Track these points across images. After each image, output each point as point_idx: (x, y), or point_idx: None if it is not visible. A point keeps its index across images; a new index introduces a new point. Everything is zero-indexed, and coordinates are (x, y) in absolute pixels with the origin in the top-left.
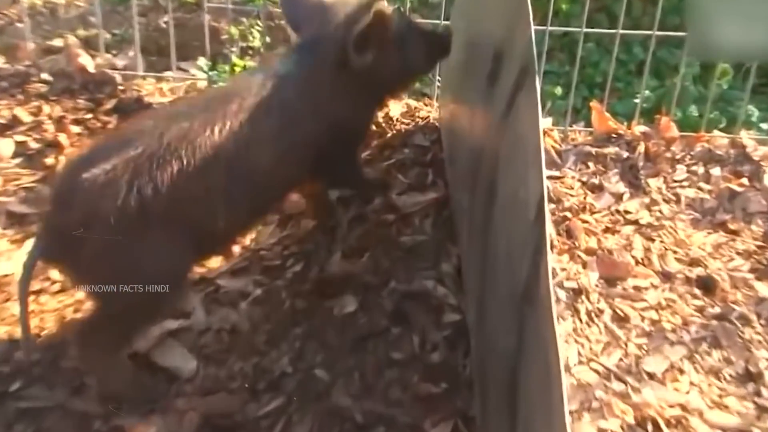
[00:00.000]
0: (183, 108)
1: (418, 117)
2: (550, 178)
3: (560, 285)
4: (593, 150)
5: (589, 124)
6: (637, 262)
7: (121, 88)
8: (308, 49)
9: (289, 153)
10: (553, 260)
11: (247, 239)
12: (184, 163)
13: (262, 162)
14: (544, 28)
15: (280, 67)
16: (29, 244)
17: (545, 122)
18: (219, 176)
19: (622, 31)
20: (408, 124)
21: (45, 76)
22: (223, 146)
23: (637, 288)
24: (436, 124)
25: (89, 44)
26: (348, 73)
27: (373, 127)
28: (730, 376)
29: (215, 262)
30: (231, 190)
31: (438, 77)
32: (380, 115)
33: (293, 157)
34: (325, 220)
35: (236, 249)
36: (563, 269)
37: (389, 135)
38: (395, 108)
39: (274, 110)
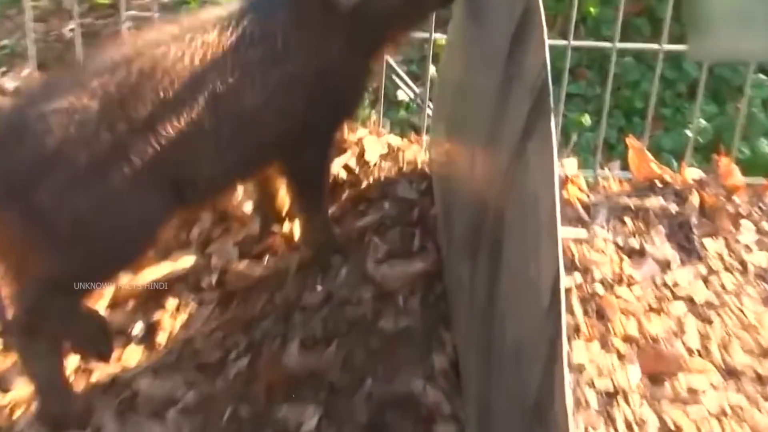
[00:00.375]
0: (152, 35)
1: (403, 160)
2: (575, 241)
3: (590, 384)
4: (631, 202)
5: (626, 167)
6: (691, 353)
7: None
8: None
9: (274, 95)
10: (580, 351)
11: (177, 323)
12: (160, 93)
13: (246, 99)
14: (565, 43)
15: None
16: None
17: (569, 164)
18: (201, 110)
19: (667, 47)
20: (389, 170)
21: None
22: (203, 77)
23: (692, 389)
24: (426, 169)
25: None
26: (335, 13)
27: (344, 174)
28: None
29: (132, 358)
30: (214, 128)
31: (428, 103)
32: (353, 157)
33: (278, 101)
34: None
35: (160, 339)
36: (592, 362)
37: (364, 184)
38: (372, 148)
39: (257, 43)
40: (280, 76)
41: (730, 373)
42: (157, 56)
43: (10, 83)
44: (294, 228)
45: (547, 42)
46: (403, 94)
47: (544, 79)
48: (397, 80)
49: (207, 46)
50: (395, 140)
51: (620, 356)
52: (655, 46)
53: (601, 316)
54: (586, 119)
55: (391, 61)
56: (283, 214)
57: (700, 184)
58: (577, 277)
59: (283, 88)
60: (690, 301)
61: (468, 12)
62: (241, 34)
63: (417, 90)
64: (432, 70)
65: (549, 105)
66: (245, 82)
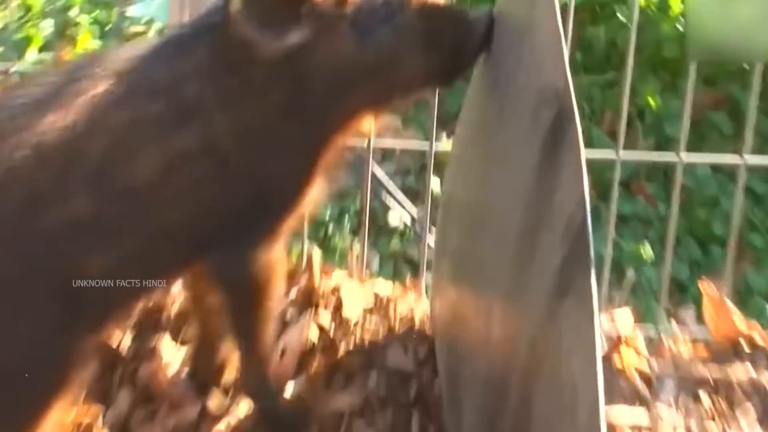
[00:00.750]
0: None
1: (395, 315)
2: (632, 428)
3: None
4: (709, 372)
5: (700, 320)
6: None
7: None
8: (209, 20)
9: (174, 168)
10: None
11: None
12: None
13: (137, 170)
14: (613, 157)
15: (174, 39)
16: None
17: (622, 317)
18: (78, 183)
19: (752, 160)
20: (376, 330)
21: None
22: (81, 142)
23: None
24: (427, 327)
25: None
26: (262, 62)
27: (315, 336)
28: None
29: None
30: (97, 207)
31: (431, 229)
32: (327, 311)
33: (181, 175)
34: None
35: None
36: None
37: (342, 350)
38: (353, 299)
39: (156, 96)
40: (184, 142)
41: None
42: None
43: None
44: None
45: (584, 157)
46: (396, 219)
47: (582, 221)
48: (389, 199)
49: (88, 101)
50: (385, 287)
51: None
52: (736, 159)
53: None
54: (647, 250)
55: (380, 173)
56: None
57: None
58: None
59: (187, 159)
60: None
61: (480, 111)
62: (137, 84)
63: (415, 213)
64: (434, 184)
65: (589, 256)
66: (137, 147)
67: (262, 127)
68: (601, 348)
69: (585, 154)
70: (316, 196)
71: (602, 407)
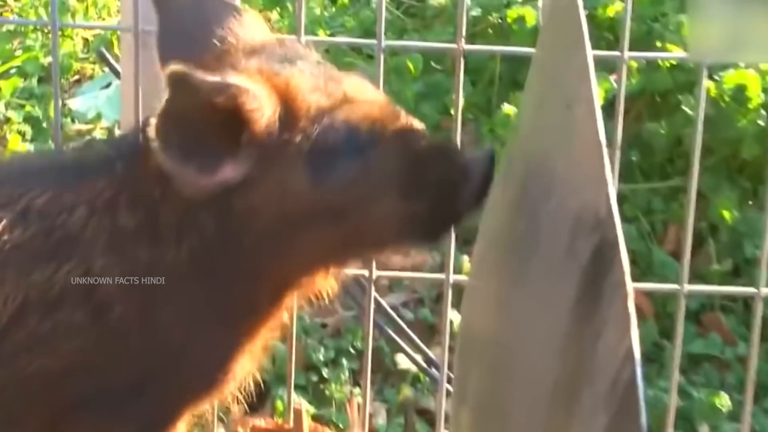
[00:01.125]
0: None
1: None
2: None
3: None
4: None
5: None
6: None
7: None
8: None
9: (43, 303)
10: None
11: None
12: None
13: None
14: (676, 287)
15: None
16: None
17: None
18: None
19: None
20: None
21: None
22: None
23: None
24: None
25: None
26: (177, 205)
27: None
28: None
29: None
30: None
31: (448, 374)
32: None
33: (52, 315)
34: None
35: None
36: None
37: None
38: None
39: (28, 233)
40: (48, 279)
41: None
42: None
43: None
44: None
45: (632, 297)
46: (406, 361)
47: (631, 378)
48: (398, 336)
49: None
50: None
51: None
52: None
53: None
54: (724, 400)
55: (386, 304)
56: None
57: None
58: None
59: (50, 300)
60: None
61: (501, 233)
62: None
63: (430, 353)
64: (453, 317)
65: (639, 423)
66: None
67: (164, 282)
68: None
69: (643, 284)
70: (244, 372)
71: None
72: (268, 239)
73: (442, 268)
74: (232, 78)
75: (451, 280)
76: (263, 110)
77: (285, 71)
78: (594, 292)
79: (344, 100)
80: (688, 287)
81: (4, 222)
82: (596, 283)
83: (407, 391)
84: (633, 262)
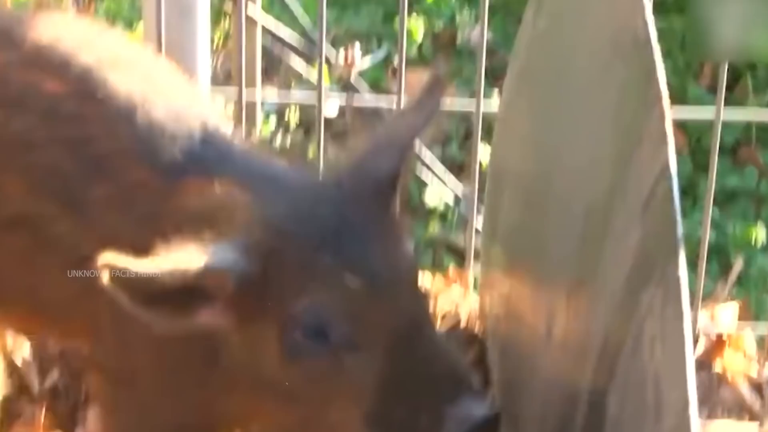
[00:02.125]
0: None
1: (436, 312)
2: None
3: None
4: None
5: None
6: None
7: None
8: None
9: None
10: None
11: None
12: None
13: None
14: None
15: None
16: None
17: (726, 314)
18: None
19: None
20: None
21: None
22: None
23: None
24: (476, 328)
25: None
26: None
27: None
28: None
29: None
30: None
31: (479, 209)
32: None
33: None
34: None
35: None
36: None
37: None
38: None
39: None
40: None
41: None
42: None
43: None
44: None
45: (669, 114)
46: (434, 197)
47: (667, 192)
48: (426, 174)
49: None
50: (423, 280)
51: None
52: None
53: None
54: (759, 233)
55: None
56: None
57: None
58: None
59: None
60: None
61: (534, 61)
62: None
63: (459, 190)
64: (483, 153)
65: (675, 234)
66: None
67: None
68: (692, 340)
69: (675, 112)
70: None
71: (694, 407)
72: (234, 376)
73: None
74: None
75: (481, 111)
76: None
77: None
78: (630, 108)
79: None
80: (725, 114)
81: None
82: (633, 99)
83: (435, 228)
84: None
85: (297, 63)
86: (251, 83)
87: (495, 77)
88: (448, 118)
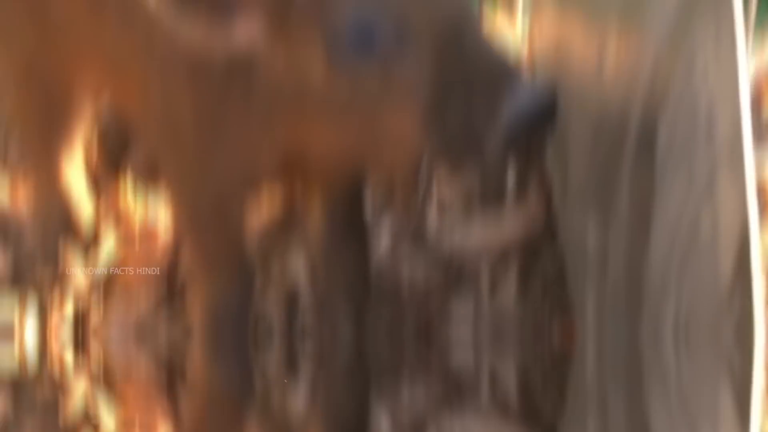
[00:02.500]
0: None
1: None
2: None
3: None
4: None
5: None
6: None
7: None
8: None
9: None
10: None
11: None
12: None
13: None
14: None
15: None
16: None
17: None
18: None
19: None
20: None
21: None
22: None
23: None
24: (524, 60)
25: None
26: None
27: None
28: None
29: None
30: None
31: None
32: None
33: None
34: None
35: None
36: None
37: None
38: None
39: None
40: None
41: None
42: None
43: None
44: None
45: None
46: None
47: None
48: None
49: None
50: None
51: None
52: None
53: None
54: None
55: None
56: None
57: None
58: None
59: None
60: None
61: None
62: None
63: None
64: None
65: None
66: None
67: None
68: (745, 60)
69: None
70: None
71: (747, 122)
72: (277, 106)
73: None
74: None
75: None
76: None
77: None
78: None
79: None
80: None
81: None
82: None
83: None
84: None
85: None
86: None
87: None
88: None
